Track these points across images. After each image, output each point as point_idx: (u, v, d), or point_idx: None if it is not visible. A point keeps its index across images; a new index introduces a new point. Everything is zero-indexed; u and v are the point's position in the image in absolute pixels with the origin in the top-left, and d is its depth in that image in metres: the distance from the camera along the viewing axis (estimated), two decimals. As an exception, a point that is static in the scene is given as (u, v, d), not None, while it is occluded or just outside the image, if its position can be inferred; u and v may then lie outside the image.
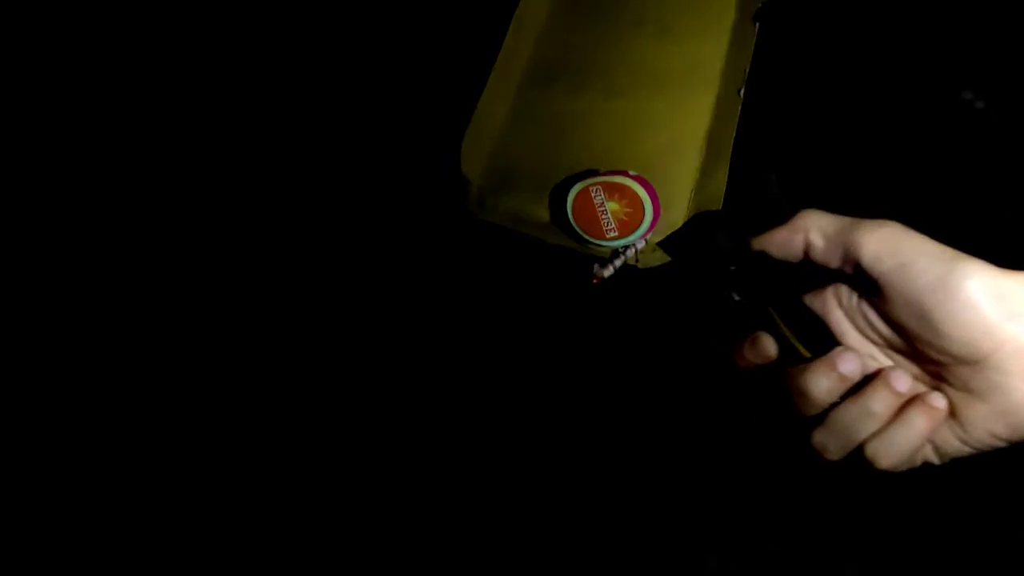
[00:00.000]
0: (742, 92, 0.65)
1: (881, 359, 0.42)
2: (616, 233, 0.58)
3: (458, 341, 0.70)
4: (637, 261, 0.61)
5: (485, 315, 0.69)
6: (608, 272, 0.60)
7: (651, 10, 0.68)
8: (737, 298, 0.47)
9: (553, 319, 0.67)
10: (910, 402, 0.40)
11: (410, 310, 0.71)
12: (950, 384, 0.39)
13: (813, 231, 0.42)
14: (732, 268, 0.47)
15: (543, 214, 0.62)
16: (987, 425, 0.38)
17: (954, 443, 0.40)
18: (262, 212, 0.76)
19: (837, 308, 0.43)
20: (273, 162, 0.77)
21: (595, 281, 0.61)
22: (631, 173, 0.59)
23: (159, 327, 0.74)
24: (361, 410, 0.71)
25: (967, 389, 0.38)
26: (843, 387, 0.40)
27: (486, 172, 0.65)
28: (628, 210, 0.58)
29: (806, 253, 0.43)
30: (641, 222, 0.58)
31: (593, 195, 0.58)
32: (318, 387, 0.72)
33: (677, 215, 0.60)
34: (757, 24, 0.68)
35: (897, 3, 0.69)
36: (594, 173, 0.59)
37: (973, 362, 0.37)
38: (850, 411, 0.40)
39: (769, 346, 0.43)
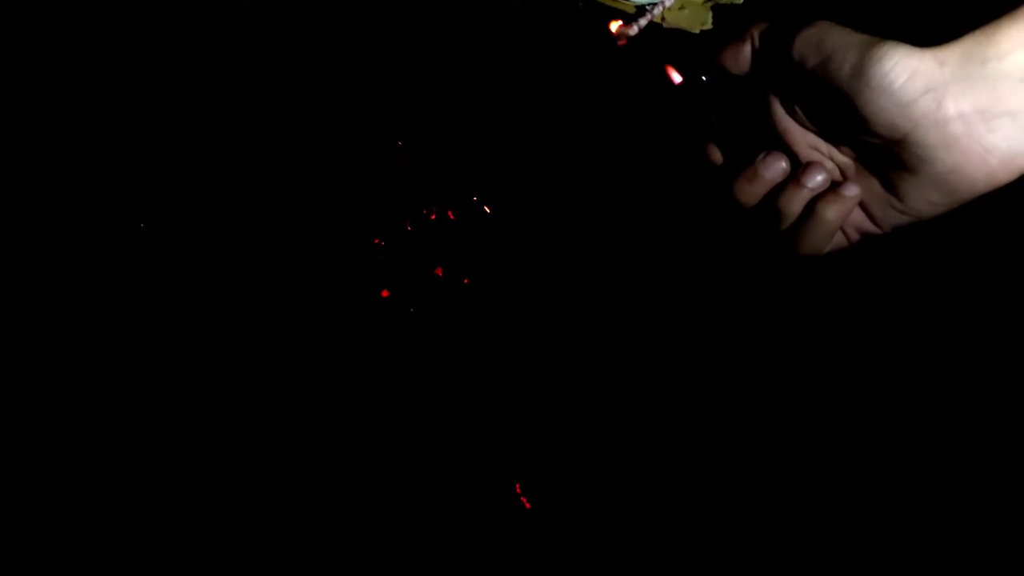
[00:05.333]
0: None
1: (823, 148, 0.45)
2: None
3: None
4: (664, 20, 0.54)
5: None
6: (634, 31, 0.53)
7: None
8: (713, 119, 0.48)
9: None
10: (824, 194, 0.43)
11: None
12: (886, 162, 0.42)
13: (756, 37, 0.44)
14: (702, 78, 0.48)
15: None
16: (922, 194, 0.41)
17: (894, 215, 0.43)
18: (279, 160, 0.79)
19: (780, 108, 0.45)
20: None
21: (620, 43, 0.53)
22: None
23: (157, 327, 0.76)
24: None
25: (899, 165, 0.41)
26: (769, 188, 0.45)
27: None
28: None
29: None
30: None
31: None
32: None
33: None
34: None
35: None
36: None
37: (897, 140, 0.39)
38: (769, 207, 0.44)
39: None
